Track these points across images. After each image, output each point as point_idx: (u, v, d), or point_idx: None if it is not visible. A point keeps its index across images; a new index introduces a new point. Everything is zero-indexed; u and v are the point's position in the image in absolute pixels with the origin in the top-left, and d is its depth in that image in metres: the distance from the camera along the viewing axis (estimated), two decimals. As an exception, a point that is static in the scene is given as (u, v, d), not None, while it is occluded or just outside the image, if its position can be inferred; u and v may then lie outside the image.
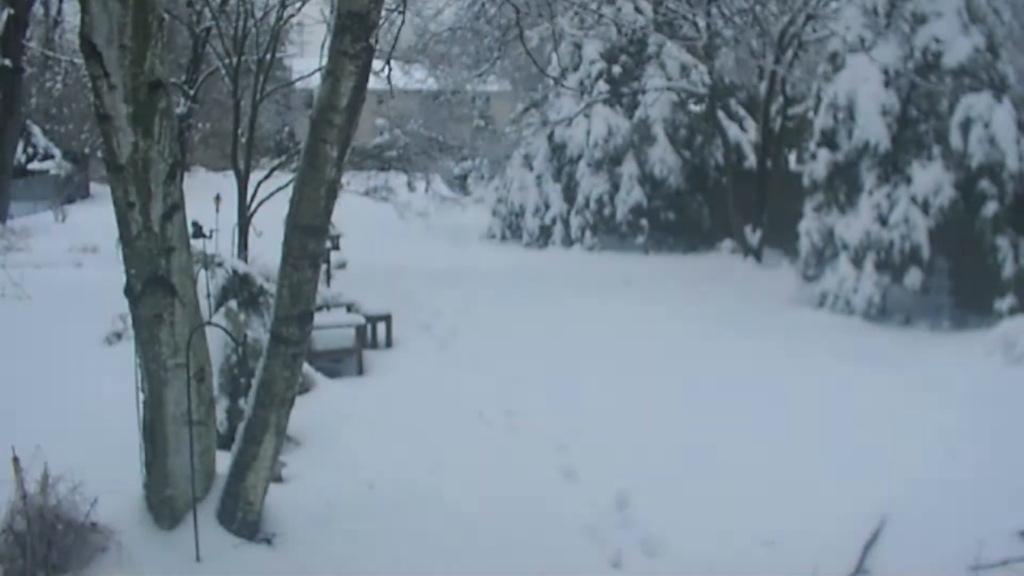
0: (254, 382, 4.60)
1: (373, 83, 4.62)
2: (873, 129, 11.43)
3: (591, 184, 18.30)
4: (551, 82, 20.10)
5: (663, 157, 17.85)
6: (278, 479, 5.25)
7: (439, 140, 24.42)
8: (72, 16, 28.26)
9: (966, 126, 10.90)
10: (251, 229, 11.52)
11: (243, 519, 4.58)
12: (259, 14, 11.75)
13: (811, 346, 10.06)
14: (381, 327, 10.13)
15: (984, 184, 10.80)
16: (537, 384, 8.36)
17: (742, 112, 18.49)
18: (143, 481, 4.56)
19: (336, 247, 14.40)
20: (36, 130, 26.09)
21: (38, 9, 26.30)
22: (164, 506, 4.49)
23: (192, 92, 14.91)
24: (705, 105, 17.66)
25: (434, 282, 14.10)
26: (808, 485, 5.98)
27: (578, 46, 18.75)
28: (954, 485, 5.95)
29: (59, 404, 6.84)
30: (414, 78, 22.87)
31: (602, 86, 18.38)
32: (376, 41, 4.23)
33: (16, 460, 4.26)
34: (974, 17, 11.32)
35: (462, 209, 25.02)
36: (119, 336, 8.73)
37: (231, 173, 12.12)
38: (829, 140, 12.11)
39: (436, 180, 30.34)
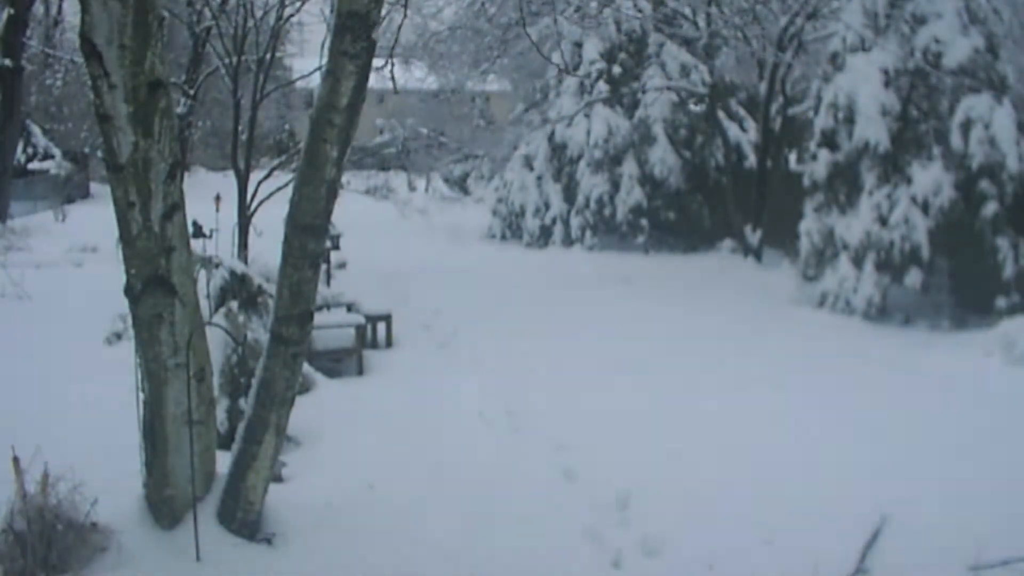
0: (254, 382, 4.60)
1: (373, 81, 4.62)
2: (873, 129, 11.42)
3: (591, 184, 18.29)
4: (551, 82, 20.13)
5: (663, 157, 17.85)
6: (278, 479, 5.25)
7: (438, 138, 24.44)
8: (72, 15, 28.29)
9: (966, 127, 10.90)
10: (251, 229, 11.51)
11: (243, 519, 4.58)
12: (259, 14, 11.74)
13: (811, 346, 10.07)
14: (381, 327, 10.13)
15: (984, 184, 10.80)
16: (537, 384, 8.35)
17: (742, 112, 18.48)
18: (143, 481, 4.56)
19: (336, 247, 14.40)
20: (36, 130, 26.10)
21: (38, 8, 26.32)
22: (164, 506, 4.49)
23: (192, 92, 14.93)
24: (705, 105, 17.66)
25: (434, 282, 14.10)
26: (808, 485, 5.99)
27: (578, 45, 18.75)
28: (954, 485, 5.95)
29: (59, 404, 6.84)
30: (414, 76, 22.90)
31: (602, 86, 18.37)
32: (376, 40, 4.22)
33: (16, 460, 4.27)
34: (974, 18, 11.32)
35: (462, 207, 25.06)
36: (119, 336, 8.74)
37: (231, 173, 12.11)
38: (829, 140, 12.10)
39: (436, 179, 30.46)
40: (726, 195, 17.05)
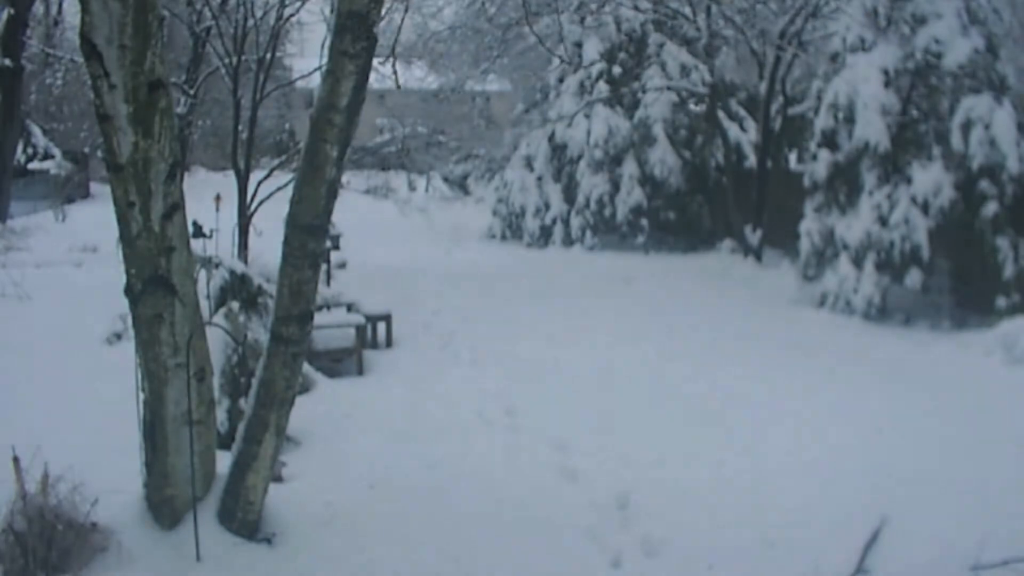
0: (254, 382, 4.60)
1: (373, 80, 4.62)
2: (873, 129, 11.42)
3: (591, 184, 18.29)
4: (551, 82, 20.12)
5: (663, 157, 17.84)
6: (278, 479, 5.25)
7: (438, 138, 24.43)
8: (72, 15, 28.26)
9: (967, 127, 10.90)
10: (251, 229, 11.51)
11: (243, 519, 4.58)
12: (259, 14, 11.74)
13: (811, 346, 10.07)
14: (381, 327, 10.13)
15: (984, 185, 10.80)
16: (537, 384, 8.35)
17: (742, 112, 18.47)
18: (143, 481, 4.56)
19: (336, 247, 14.40)
20: (36, 130, 26.06)
21: (38, 8, 26.28)
22: (164, 506, 4.49)
23: (192, 92, 14.92)
24: (705, 105, 17.65)
25: (434, 282, 14.09)
26: (808, 484, 5.99)
27: (578, 45, 18.73)
28: (954, 485, 5.96)
29: (59, 404, 6.84)
30: (414, 76, 22.92)
31: (602, 86, 18.37)
32: (377, 38, 4.22)
33: (16, 460, 4.27)
34: (974, 18, 11.32)
35: (462, 207, 25.05)
36: (119, 336, 8.74)
37: (231, 173, 12.11)
38: (829, 140, 12.10)
39: (436, 179, 30.45)
40: (726, 195, 17.04)
